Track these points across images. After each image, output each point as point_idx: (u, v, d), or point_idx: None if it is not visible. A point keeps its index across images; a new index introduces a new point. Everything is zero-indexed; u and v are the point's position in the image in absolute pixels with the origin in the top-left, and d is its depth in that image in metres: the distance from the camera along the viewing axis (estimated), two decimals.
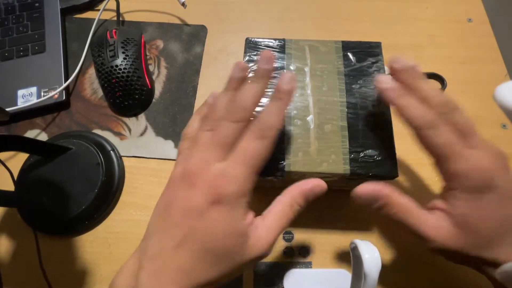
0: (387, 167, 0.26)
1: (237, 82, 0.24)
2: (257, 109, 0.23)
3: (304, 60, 0.31)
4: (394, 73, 0.25)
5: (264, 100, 0.28)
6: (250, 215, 0.23)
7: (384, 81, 0.25)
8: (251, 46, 0.32)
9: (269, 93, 0.28)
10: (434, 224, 0.23)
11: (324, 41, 0.32)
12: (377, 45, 0.32)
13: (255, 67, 0.28)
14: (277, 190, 0.35)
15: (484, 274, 0.24)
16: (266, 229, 0.23)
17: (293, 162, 0.27)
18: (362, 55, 0.31)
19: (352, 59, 0.31)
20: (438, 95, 0.24)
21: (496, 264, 0.23)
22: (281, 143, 0.27)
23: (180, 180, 0.22)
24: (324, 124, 0.28)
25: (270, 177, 0.28)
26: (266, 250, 0.22)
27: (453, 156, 0.22)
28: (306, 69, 0.30)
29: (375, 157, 0.27)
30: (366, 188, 0.24)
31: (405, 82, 0.24)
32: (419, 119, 0.23)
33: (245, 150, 0.22)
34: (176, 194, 0.22)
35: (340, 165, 0.27)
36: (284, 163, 0.27)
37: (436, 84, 0.27)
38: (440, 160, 0.23)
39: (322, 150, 0.27)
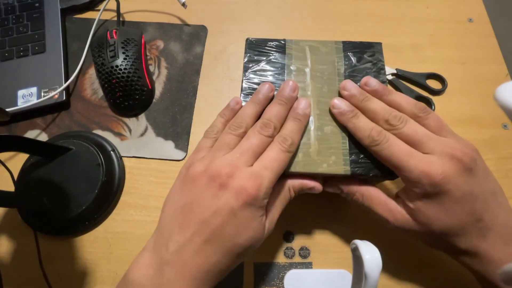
0: (387, 167, 0.26)
1: (264, 98, 0.28)
2: None
3: (304, 61, 0.31)
4: (346, 99, 0.28)
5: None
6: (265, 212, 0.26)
7: (336, 106, 0.28)
8: (251, 46, 0.32)
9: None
10: (393, 209, 0.27)
11: (324, 41, 0.32)
12: (377, 45, 0.32)
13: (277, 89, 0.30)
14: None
15: (458, 262, 0.27)
16: (270, 221, 0.26)
17: (293, 163, 0.27)
18: (362, 55, 0.31)
19: (353, 60, 0.31)
20: (382, 112, 0.27)
21: (459, 254, 0.26)
22: None
23: (208, 180, 0.24)
24: (324, 125, 0.28)
25: None
26: (266, 236, 0.26)
27: (402, 166, 0.24)
28: (307, 70, 0.30)
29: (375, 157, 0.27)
30: (331, 185, 0.29)
31: (355, 106, 0.28)
32: (365, 139, 0.26)
33: (273, 159, 0.25)
34: (204, 193, 0.23)
35: (340, 166, 0.27)
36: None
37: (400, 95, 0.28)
38: (395, 170, 0.26)
39: (322, 151, 0.27)
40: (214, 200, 0.23)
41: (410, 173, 0.24)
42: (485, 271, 0.25)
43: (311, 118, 0.28)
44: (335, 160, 0.27)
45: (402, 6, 0.47)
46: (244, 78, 0.30)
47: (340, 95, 0.29)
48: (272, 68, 0.30)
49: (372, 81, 0.28)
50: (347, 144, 0.27)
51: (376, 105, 0.27)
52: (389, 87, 0.38)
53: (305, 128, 0.28)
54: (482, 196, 0.24)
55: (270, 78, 0.30)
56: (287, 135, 0.26)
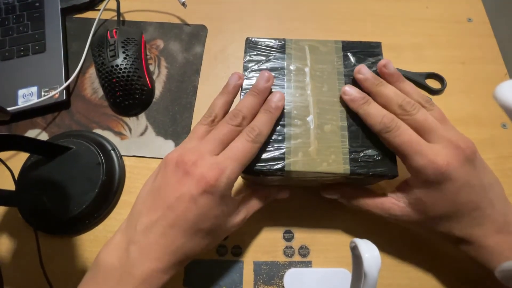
0: (387, 166, 0.27)
1: (233, 87, 0.29)
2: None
3: (304, 60, 0.31)
4: (359, 82, 0.29)
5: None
6: (233, 201, 0.27)
7: (347, 93, 0.28)
8: (251, 46, 0.32)
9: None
10: (390, 207, 0.28)
11: (324, 41, 0.32)
12: (377, 45, 0.32)
13: (253, 78, 0.30)
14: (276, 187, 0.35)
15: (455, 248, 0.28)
16: (242, 216, 0.29)
17: (293, 162, 0.27)
18: (362, 55, 0.31)
19: (352, 60, 0.31)
20: (396, 98, 0.27)
21: (458, 242, 0.27)
22: (281, 143, 0.27)
23: (175, 166, 0.25)
24: (324, 124, 0.28)
25: (271, 176, 0.28)
26: (239, 226, 0.29)
27: (408, 154, 0.25)
28: (306, 69, 0.30)
29: (375, 156, 0.27)
30: (328, 192, 0.32)
31: (367, 90, 0.28)
32: (377, 126, 0.26)
33: (238, 149, 0.25)
34: (170, 178, 0.24)
35: (340, 165, 0.27)
36: (285, 163, 0.27)
37: (410, 85, 0.28)
38: (401, 157, 0.26)
39: (322, 150, 0.27)
40: (179, 186, 0.24)
41: (417, 162, 0.25)
42: (480, 258, 0.26)
43: (311, 117, 0.28)
44: (335, 159, 0.27)
45: (402, 6, 0.47)
46: (244, 77, 0.30)
47: (344, 91, 0.29)
48: (272, 68, 0.30)
49: (390, 66, 0.29)
50: (347, 143, 0.27)
51: (390, 90, 0.28)
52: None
53: (304, 126, 0.28)
54: (481, 186, 0.25)
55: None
56: (255, 125, 0.26)
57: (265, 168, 0.27)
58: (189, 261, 0.25)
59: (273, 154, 0.27)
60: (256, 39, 0.32)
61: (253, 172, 0.27)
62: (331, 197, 0.32)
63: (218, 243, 0.28)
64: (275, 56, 0.31)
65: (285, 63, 0.31)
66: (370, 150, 0.27)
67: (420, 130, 0.26)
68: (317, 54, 0.31)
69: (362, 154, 0.27)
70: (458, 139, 0.25)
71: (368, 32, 0.45)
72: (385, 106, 0.27)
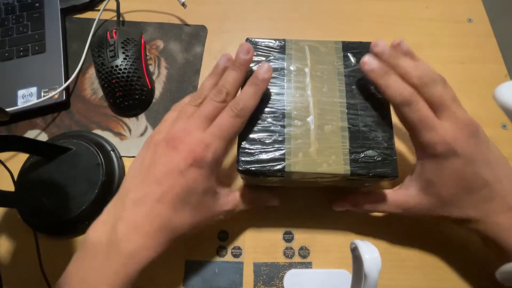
0: (388, 167, 0.26)
1: (222, 69, 0.29)
2: None
3: (304, 61, 0.31)
4: (377, 56, 0.28)
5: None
6: (221, 182, 0.28)
7: (368, 62, 0.27)
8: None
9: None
10: (403, 202, 0.29)
11: (324, 41, 0.32)
12: None
13: (239, 59, 0.29)
14: (276, 189, 0.35)
15: (467, 230, 0.29)
16: (230, 207, 0.29)
17: (293, 162, 0.27)
18: (362, 56, 0.31)
19: (352, 60, 0.31)
20: (415, 70, 0.27)
21: (470, 221, 0.27)
22: (282, 143, 0.27)
23: (165, 144, 0.26)
24: (324, 124, 0.28)
25: (271, 177, 0.28)
26: (225, 216, 0.29)
27: (423, 130, 0.26)
28: (306, 69, 0.30)
29: (376, 157, 0.27)
30: (340, 205, 0.33)
31: (386, 62, 0.28)
32: (397, 98, 0.26)
33: (222, 125, 0.26)
34: (160, 156, 0.25)
35: (340, 165, 0.27)
36: (285, 164, 0.27)
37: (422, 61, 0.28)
38: (412, 132, 0.27)
39: (322, 150, 0.27)
40: (167, 163, 0.25)
41: (429, 138, 0.26)
42: (492, 236, 0.27)
43: (311, 117, 0.28)
44: (335, 159, 0.27)
45: (402, 6, 0.47)
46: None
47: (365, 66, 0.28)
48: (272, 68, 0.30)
49: (404, 44, 0.29)
50: (348, 144, 0.27)
51: (408, 62, 0.27)
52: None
53: (304, 127, 0.28)
54: (487, 162, 0.26)
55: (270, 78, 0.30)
56: (240, 99, 0.26)
57: (265, 169, 0.26)
58: (177, 239, 0.25)
59: (273, 155, 0.27)
60: (256, 40, 0.32)
61: (252, 173, 0.27)
62: (343, 209, 0.33)
63: (204, 225, 0.27)
64: (275, 56, 0.31)
65: (285, 63, 0.31)
66: (370, 151, 0.27)
67: (434, 105, 0.26)
68: (317, 55, 0.31)
69: (362, 155, 0.27)
70: (465, 118, 0.26)
71: (368, 32, 0.45)
72: (403, 79, 0.27)
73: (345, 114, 0.28)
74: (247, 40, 0.32)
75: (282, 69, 0.30)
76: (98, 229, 0.24)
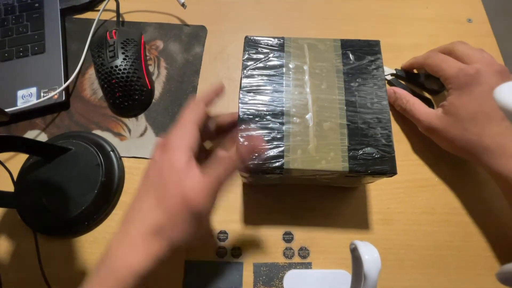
0: (386, 164, 0.27)
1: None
2: None
3: (303, 58, 0.31)
4: None
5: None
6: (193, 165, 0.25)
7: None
8: (250, 44, 0.32)
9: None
10: (426, 112, 0.35)
11: (323, 39, 0.32)
12: (376, 43, 0.32)
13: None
14: (275, 187, 0.35)
15: (479, 165, 0.33)
16: (205, 186, 0.24)
17: (292, 159, 0.27)
18: (361, 54, 0.31)
19: (351, 58, 0.31)
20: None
21: (485, 151, 0.30)
22: (280, 141, 0.27)
23: (155, 149, 0.27)
24: (323, 122, 0.28)
25: (269, 174, 0.28)
26: (202, 200, 0.23)
27: (449, 68, 0.33)
28: (305, 67, 0.30)
29: (374, 154, 0.27)
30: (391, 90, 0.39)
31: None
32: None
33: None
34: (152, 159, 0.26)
35: (339, 162, 0.27)
36: (283, 161, 0.27)
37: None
38: (440, 74, 0.34)
39: (321, 147, 0.27)
40: (154, 163, 0.25)
41: (456, 68, 0.32)
42: (504, 170, 0.29)
43: (310, 115, 0.28)
44: (334, 156, 0.27)
45: (402, 6, 0.47)
46: (242, 75, 0.30)
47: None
48: (271, 66, 0.30)
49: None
50: (346, 141, 0.27)
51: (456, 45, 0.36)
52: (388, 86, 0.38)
53: (303, 124, 0.28)
54: None
55: (269, 76, 0.30)
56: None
57: (264, 166, 0.26)
58: (183, 235, 0.24)
59: (272, 152, 0.27)
60: (255, 38, 0.32)
61: (251, 170, 0.27)
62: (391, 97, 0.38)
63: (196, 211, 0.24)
64: (274, 54, 0.31)
65: (284, 61, 0.31)
66: (369, 148, 0.27)
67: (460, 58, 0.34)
68: (316, 52, 0.31)
69: (361, 152, 0.27)
70: (495, 62, 0.32)
71: (368, 32, 0.45)
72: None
73: (344, 111, 0.28)
74: (246, 38, 0.32)
75: (281, 66, 0.30)
76: (115, 237, 0.25)
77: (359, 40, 0.32)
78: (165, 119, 0.40)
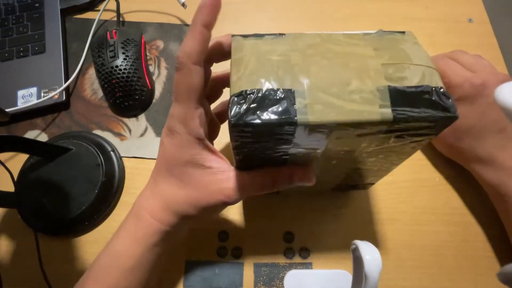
0: (442, 105, 0.19)
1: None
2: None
3: None
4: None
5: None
6: (216, 155, 0.25)
7: None
8: None
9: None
10: None
11: (323, 34, 0.32)
12: None
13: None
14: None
15: (471, 171, 0.33)
16: (241, 180, 0.24)
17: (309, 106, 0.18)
18: None
19: None
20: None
21: (479, 161, 0.31)
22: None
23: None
24: None
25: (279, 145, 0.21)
26: (233, 188, 0.24)
27: (454, 76, 0.32)
28: None
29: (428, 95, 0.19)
30: None
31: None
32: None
33: (174, 86, 0.24)
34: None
35: (376, 109, 0.18)
36: (296, 108, 0.18)
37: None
38: (445, 81, 0.32)
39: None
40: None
41: (461, 77, 0.32)
42: (497, 180, 0.30)
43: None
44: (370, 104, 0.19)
45: (402, 6, 0.47)
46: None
47: None
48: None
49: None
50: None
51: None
52: None
53: None
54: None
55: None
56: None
57: (274, 121, 0.18)
58: (182, 217, 0.25)
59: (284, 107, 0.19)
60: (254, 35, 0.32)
61: (256, 126, 0.19)
62: None
63: (205, 206, 0.24)
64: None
65: None
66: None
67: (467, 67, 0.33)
68: None
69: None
70: (500, 74, 0.31)
71: None
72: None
73: None
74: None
75: None
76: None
77: (358, 33, 0.31)
78: (166, 119, 0.40)
